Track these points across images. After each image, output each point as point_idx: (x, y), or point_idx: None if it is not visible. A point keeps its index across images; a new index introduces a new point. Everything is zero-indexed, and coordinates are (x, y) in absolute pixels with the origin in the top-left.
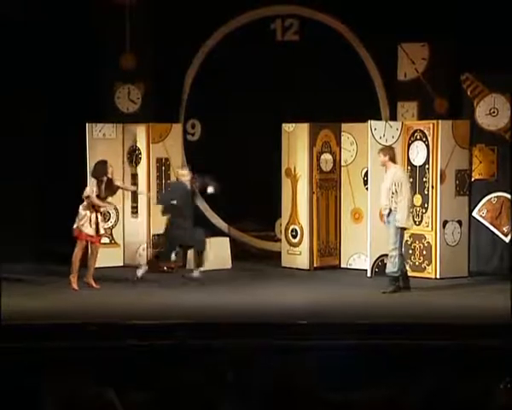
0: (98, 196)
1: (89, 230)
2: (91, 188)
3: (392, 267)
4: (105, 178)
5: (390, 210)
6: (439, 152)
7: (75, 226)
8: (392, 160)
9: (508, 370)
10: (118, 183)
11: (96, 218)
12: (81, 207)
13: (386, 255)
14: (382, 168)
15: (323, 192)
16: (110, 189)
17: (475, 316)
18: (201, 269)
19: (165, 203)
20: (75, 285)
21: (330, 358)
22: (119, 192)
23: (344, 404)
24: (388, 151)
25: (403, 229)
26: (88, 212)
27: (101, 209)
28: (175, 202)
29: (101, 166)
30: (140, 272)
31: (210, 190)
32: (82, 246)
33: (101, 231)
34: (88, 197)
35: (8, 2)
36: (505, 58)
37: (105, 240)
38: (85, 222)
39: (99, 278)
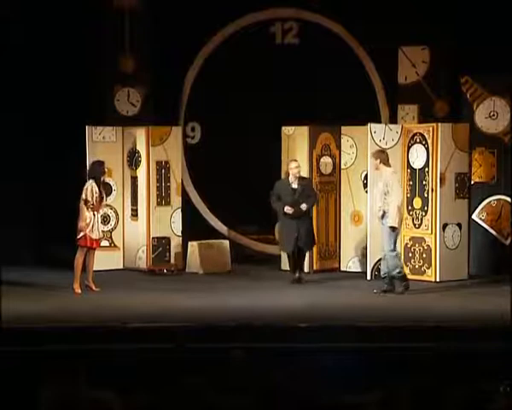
0: (100, 197)
1: (94, 234)
2: (91, 192)
3: (392, 268)
4: (102, 179)
5: (384, 212)
6: (439, 155)
7: (82, 234)
8: (384, 163)
9: (507, 373)
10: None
11: (97, 221)
12: (85, 211)
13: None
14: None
15: (323, 195)
16: (106, 191)
17: (475, 319)
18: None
19: (272, 205)
20: (78, 289)
21: (330, 360)
22: (119, 194)
23: (344, 406)
24: (379, 154)
25: (396, 228)
26: (92, 215)
27: (100, 212)
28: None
29: (99, 166)
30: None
31: (303, 206)
32: (83, 251)
33: (101, 235)
34: (87, 202)
35: (8, 3)
36: (505, 61)
37: (105, 243)
38: (92, 227)
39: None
